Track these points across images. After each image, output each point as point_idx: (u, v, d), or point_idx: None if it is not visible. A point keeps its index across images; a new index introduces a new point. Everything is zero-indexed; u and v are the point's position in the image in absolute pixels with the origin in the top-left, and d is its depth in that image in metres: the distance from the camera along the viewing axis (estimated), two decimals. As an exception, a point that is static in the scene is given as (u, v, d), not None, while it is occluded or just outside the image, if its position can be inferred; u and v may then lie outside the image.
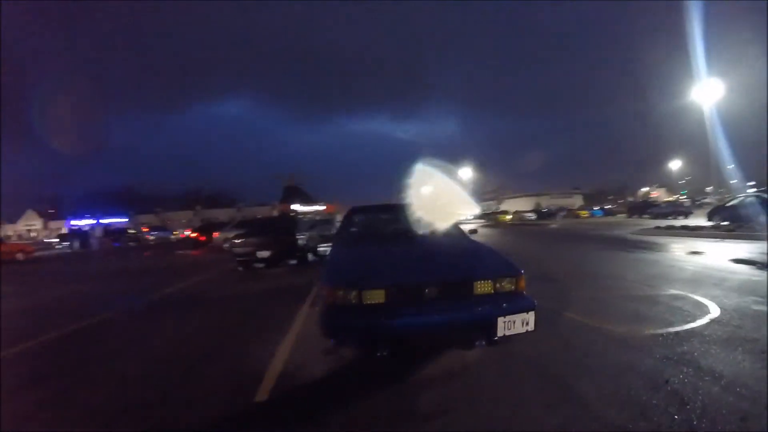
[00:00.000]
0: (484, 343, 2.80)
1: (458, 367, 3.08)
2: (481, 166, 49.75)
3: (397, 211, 5.50)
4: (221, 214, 55.38)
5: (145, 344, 4.23)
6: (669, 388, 2.56)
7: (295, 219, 12.54)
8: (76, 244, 30.64)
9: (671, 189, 73.15)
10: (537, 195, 68.01)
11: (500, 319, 2.75)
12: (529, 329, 2.84)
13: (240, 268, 9.75)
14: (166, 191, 76.36)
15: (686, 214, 28.77)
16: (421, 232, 4.82)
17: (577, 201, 69.83)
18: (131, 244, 32.89)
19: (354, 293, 2.84)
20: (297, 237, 10.00)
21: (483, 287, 2.94)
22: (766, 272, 6.43)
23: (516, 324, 2.79)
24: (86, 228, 40.74)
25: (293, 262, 10.36)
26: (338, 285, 2.91)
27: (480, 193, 48.41)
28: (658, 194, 69.82)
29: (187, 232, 24.38)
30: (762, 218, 15.95)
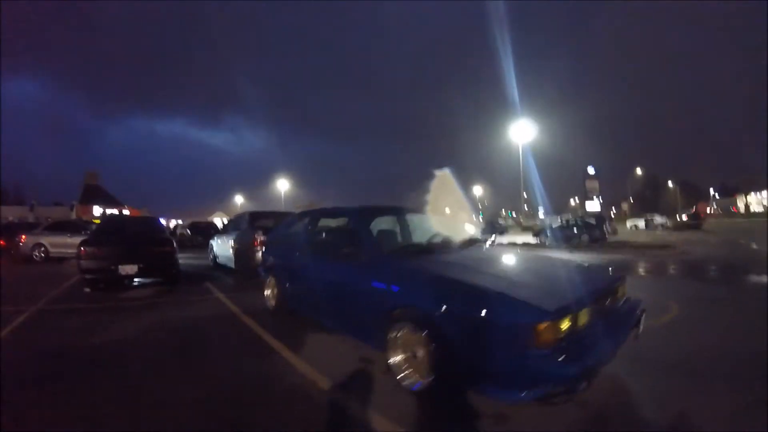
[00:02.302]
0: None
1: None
2: (294, 180, 49.40)
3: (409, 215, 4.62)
4: (9, 212, 43.76)
5: None
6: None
7: (156, 220, 9.91)
8: None
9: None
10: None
11: (642, 318, 2.88)
12: (645, 324, 2.99)
13: (87, 289, 7.05)
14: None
15: (502, 232, 31.82)
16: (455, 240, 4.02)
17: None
18: None
19: (569, 319, 2.27)
20: (175, 246, 7.82)
21: (621, 290, 3.04)
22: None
23: (642, 320, 2.89)
24: None
25: (148, 280, 7.69)
26: (547, 314, 2.16)
27: (294, 207, 48.10)
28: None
29: None
30: (584, 237, 19.83)
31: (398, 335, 2.78)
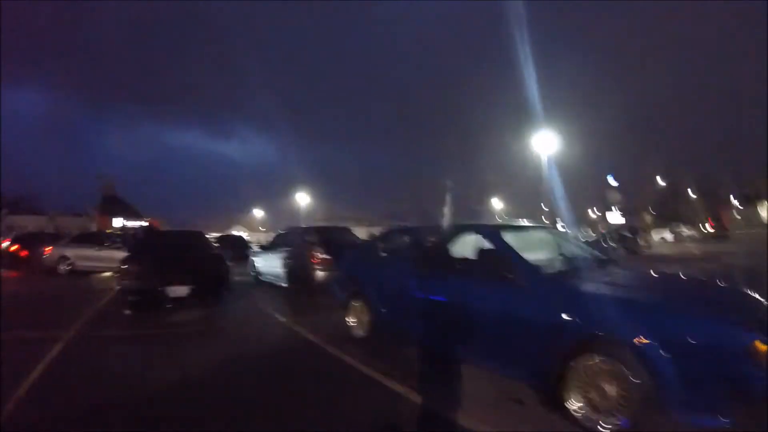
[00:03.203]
0: None
1: None
2: (313, 192, 48.58)
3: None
4: (27, 222, 43.90)
5: None
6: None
7: (202, 235, 9.13)
8: None
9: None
10: (366, 223, 68.79)
11: None
12: None
13: (127, 311, 6.26)
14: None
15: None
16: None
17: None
18: None
19: None
20: (228, 265, 7.08)
21: None
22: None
23: None
24: None
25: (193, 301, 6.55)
26: (764, 333, 2.15)
27: (313, 220, 47.47)
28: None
29: (5, 244, 17.08)
30: (620, 251, 19.05)
31: (580, 369, 2.49)
